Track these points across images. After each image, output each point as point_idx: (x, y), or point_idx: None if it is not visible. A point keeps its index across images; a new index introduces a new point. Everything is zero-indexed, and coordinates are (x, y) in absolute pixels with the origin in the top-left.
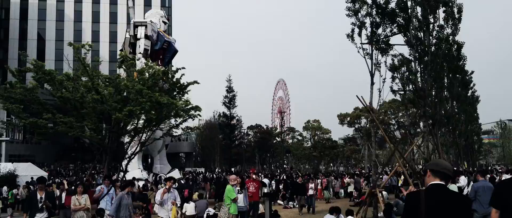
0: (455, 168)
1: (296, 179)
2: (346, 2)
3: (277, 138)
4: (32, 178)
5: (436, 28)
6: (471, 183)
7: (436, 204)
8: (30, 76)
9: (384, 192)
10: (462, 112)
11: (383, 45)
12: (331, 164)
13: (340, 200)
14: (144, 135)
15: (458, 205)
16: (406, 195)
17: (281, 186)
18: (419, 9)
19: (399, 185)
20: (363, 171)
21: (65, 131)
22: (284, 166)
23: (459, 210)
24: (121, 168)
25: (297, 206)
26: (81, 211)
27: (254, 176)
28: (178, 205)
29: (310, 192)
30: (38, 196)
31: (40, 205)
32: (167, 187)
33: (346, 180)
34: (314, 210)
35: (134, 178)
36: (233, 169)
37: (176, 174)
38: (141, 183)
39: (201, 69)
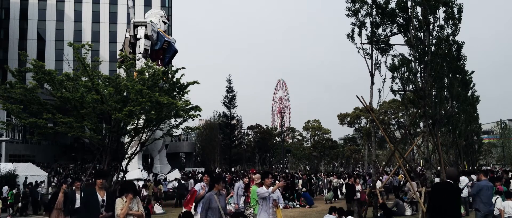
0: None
1: (298, 179)
2: (346, 2)
3: (277, 138)
4: (26, 178)
5: (436, 28)
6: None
7: (445, 191)
8: (30, 76)
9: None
10: (462, 112)
11: (383, 45)
12: (333, 164)
13: (340, 201)
14: (144, 135)
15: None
16: (433, 184)
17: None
18: (419, 9)
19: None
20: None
21: (65, 131)
22: (285, 166)
23: (454, 193)
24: (121, 168)
25: (297, 206)
26: None
27: (254, 176)
28: (281, 207)
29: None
30: (100, 198)
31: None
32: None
33: (347, 179)
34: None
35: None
36: (233, 169)
37: (176, 174)
38: (141, 183)
39: (201, 69)
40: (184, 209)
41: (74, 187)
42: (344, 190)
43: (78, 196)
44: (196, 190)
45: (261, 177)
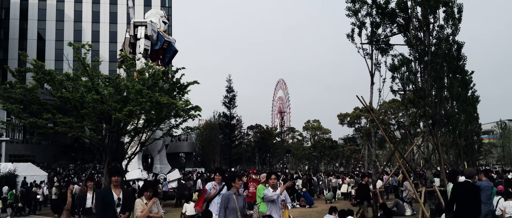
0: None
1: (298, 179)
2: (346, 2)
3: (277, 138)
4: (24, 178)
5: (436, 28)
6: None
7: (466, 189)
8: (30, 76)
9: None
10: (462, 112)
11: (383, 45)
12: (333, 164)
13: (341, 201)
14: (144, 135)
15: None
16: (454, 184)
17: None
18: (419, 9)
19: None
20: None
21: (65, 131)
22: (285, 166)
23: (475, 192)
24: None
25: (297, 206)
26: None
27: (254, 176)
28: (289, 207)
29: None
30: (115, 196)
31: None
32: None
33: (347, 180)
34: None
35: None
36: (233, 169)
37: (176, 174)
38: (140, 183)
39: (201, 69)
40: (194, 208)
41: (86, 187)
42: (343, 190)
43: (89, 195)
44: (207, 189)
45: (229, 180)
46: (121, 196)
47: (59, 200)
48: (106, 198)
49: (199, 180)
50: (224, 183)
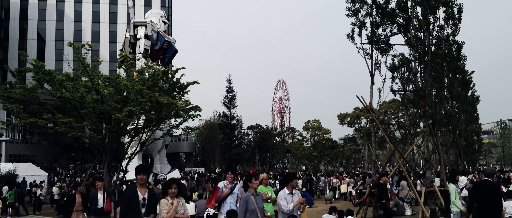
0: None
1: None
2: (346, 2)
3: (277, 138)
4: (24, 178)
5: (436, 28)
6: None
7: (486, 188)
8: (30, 76)
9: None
10: (462, 112)
11: (383, 45)
12: (334, 165)
13: (341, 201)
14: (144, 135)
15: (496, 189)
16: (474, 184)
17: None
18: (419, 9)
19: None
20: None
21: (65, 131)
22: (285, 166)
23: (495, 191)
24: (121, 168)
25: None
26: None
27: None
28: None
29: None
30: (140, 196)
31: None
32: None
33: (347, 180)
34: None
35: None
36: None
37: (176, 174)
38: None
39: (201, 69)
40: (206, 206)
41: (95, 187)
42: (342, 190)
43: (100, 196)
44: (219, 187)
45: (245, 180)
46: (146, 196)
47: (68, 201)
48: (130, 197)
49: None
50: (236, 182)
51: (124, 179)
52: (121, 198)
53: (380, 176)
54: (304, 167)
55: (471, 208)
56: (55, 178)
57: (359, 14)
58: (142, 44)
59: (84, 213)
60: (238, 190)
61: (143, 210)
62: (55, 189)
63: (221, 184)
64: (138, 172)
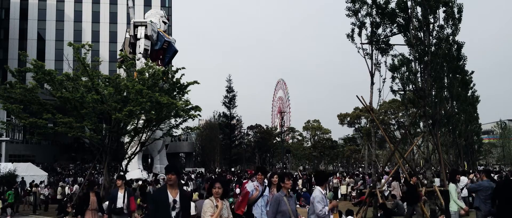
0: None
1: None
2: (346, 2)
3: (277, 138)
4: (22, 178)
5: (436, 28)
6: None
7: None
8: (30, 76)
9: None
10: (462, 112)
11: (383, 45)
12: (334, 165)
13: (341, 201)
14: (144, 135)
15: None
16: (497, 183)
17: None
18: (419, 9)
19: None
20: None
21: (65, 131)
22: (285, 166)
23: None
24: (121, 168)
25: (297, 206)
26: None
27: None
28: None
29: None
30: (171, 198)
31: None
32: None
33: (347, 179)
34: None
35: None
36: (233, 169)
37: None
38: (140, 183)
39: (201, 69)
40: (236, 213)
41: (115, 186)
42: (342, 191)
43: (120, 194)
44: (249, 191)
45: (278, 180)
46: (177, 198)
47: (83, 201)
48: (159, 199)
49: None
50: (266, 184)
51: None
52: (148, 200)
53: (410, 176)
54: (301, 167)
55: (495, 204)
56: (52, 178)
57: (359, 14)
58: (142, 44)
59: (99, 213)
60: (268, 193)
61: (173, 214)
62: (59, 189)
63: (250, 186)
64: (167, 172)
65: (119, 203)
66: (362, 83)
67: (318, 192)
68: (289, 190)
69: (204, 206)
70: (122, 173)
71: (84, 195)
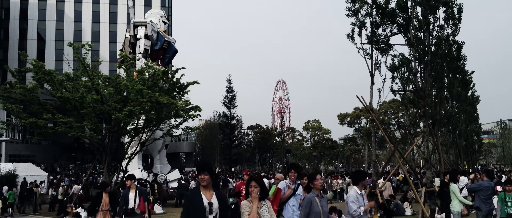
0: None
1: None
2: (346, 2)
3: (277, 138)
4: (24, 178)
5: (436, 28)
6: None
7: None
8: (30, 76)
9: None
10: (462, 112)
11: (383, 45)
12: (335, 165)
13: (341, 201)
14: (144, 135)
15: None
16: None
17: None
18: (419, 9)
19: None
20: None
21: (65, 131)
22: (285, 166)
23: None
24: (121, 168)
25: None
26: None
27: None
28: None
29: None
30: (205, 200)
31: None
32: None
33: (347, 179)
34: None
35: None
36: (233, 169)
37: (176, 174)
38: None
39: (201, 69)
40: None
41: (127, 186)
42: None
43: (131, 195)
44: (281, 188)
45: (308, 179)
46: (213, 200)
47: (95, 201)
48: (192, 203)
49: (193, 181)
50: (299, 182)
51: (124, 179)
52: (184, 202)
53: (445, 174)
54: (309, 167)
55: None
56: (52, 177)
57: (359, 14)
58: (142, 44)
59: (111, 213)
60: (301, 192)
61: (210, 217)
62: (60, 190)
63: (282, 184)
64: (200, 171)
65: (131, 204)
66: (362, 83)
67: (353, 192)
68: (321, 190)
69: (242, 207)
70: (130, 173)
71: (97, 195)
